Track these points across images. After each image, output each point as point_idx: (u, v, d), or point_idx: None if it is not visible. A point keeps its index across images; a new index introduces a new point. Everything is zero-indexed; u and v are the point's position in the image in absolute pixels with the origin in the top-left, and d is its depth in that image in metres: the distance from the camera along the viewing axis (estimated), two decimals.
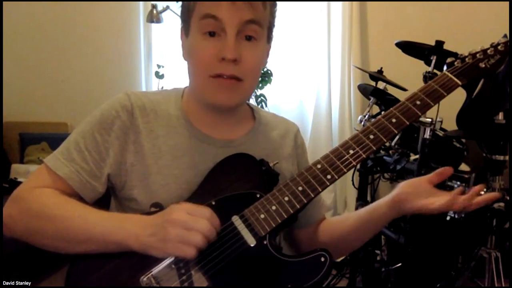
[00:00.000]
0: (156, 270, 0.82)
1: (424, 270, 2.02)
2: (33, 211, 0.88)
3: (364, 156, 0.89)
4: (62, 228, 0.86)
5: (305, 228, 1.08)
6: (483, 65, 0.99)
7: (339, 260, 2.85)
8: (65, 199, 0.89)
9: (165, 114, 0.98)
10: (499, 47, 1.01)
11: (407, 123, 0.91)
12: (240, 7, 0.88)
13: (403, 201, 0.93)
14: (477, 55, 1.00)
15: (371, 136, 0.90)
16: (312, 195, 0.87)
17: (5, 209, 0.90)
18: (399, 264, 2.12)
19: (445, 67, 1.00)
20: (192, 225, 0.79)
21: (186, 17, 0.94)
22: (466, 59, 1.00)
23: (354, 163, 0.89)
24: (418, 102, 0.93)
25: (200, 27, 0.90)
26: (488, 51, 1.01)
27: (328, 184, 0.88)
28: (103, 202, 1.00)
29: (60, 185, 0.91)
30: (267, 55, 1.02)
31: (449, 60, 1.01)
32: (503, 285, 1.81)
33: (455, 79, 0.96)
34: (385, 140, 0.90)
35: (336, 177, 0.88)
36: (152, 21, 2.96)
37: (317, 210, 1.10)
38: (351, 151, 0.89)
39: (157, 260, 0.82)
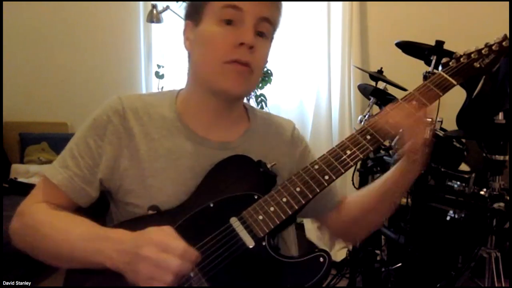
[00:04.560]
0: None
1: (424, 270, 2.02)
2: (29, 228, 0.90)
3: (361, 156, 0.89)
4: (50, 247, 0.87)
5: (326, 214, 1.10)
6: (478, 65, 1.00)
7: (339, 260, 2.86)
8: (54, 216, 0.90)
9: (159, 117, 0.98)
10: (493, 47, 1.02)
11: None
12: (263, 4, 0.91)
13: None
14: (472, 55, 1.01)
15: (368, 137, 0.91)
16: (310, 196, 0.87)
17: (12, 224, 0.93)
18: (399, 264, 2.12)
19: (440, 67, 1.01)
20: (162, 264, 0.75)
21: (197, 9, 0.95)
22: (461, 59, 1.01)
23: (351, 163, 0.89)
24: (414, 102, 0.93)
25: (218, 15, 0.91)
26: (483, 51, 1.01)
27: (326, 184, 0.88)
28: (103, 202, 1.00)
29: (56, 193, 0.92)
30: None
31: (444, 60, 1.02)
32: (503, 285, 1.81)
33: (450, 79, 0.97)
34: (382, 141, 0.91)
35: (334, 178, 0.88)
36: (152, 21, 2.95)
37: (331, 197, 1.10)
38: (348, 152, 0.89)
39: None
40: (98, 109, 0.97)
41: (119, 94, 0.99)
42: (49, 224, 0.88)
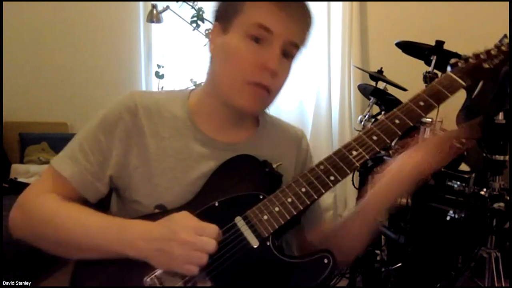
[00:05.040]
0: (159, 270, 0.82)
1: (424, 270, 2.02)
2: (37, 218, 0.89)
3: (367, 157, 0.88)
4: (64, 237, 0.87)
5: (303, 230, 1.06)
6: (487, 66, 0.98)
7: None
8: (67, 206, 0.89)
9: (170, 116, 0.98)
10: (502, 47, 1.00)
11: (411, 124, 0.91)
12: (294, 28, 0.91)
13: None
14: (481, 55, 0.99)
15: (374, 137, 0.90)
16: (315, 196, 0.87)
17: (11, 213, 0.91)
18: (399, 264, 2.13)
19: (448, 68, 0.99)
20: (200, 246, 0.79)
21: (228, 15, 0.93)
22: (470, 59, 0.99)
23: (357, 164, 0.88)
24: (421, 103, 0.93)
25: (247, 30, 0.90)
26: (492, 51, 1.00)
27: (331, 185, 0.88)
28: (103, 200, 1.00)
29: (65, 186, 0.92)
30: None
31: (452, 61, 1.00)
32: (503, 285, 1.81)
33: (459, 80, 0.95)
34: (388, 141, 0.90)
35: (340, 178, 0.88)
36: (152, 21, 2.95)
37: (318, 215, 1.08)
38: (354, 152, 0.89)
39: None
40: (110, 105, 0.96)
41: (131, 90, 0.99)
42: (62, 214, 0.88)
